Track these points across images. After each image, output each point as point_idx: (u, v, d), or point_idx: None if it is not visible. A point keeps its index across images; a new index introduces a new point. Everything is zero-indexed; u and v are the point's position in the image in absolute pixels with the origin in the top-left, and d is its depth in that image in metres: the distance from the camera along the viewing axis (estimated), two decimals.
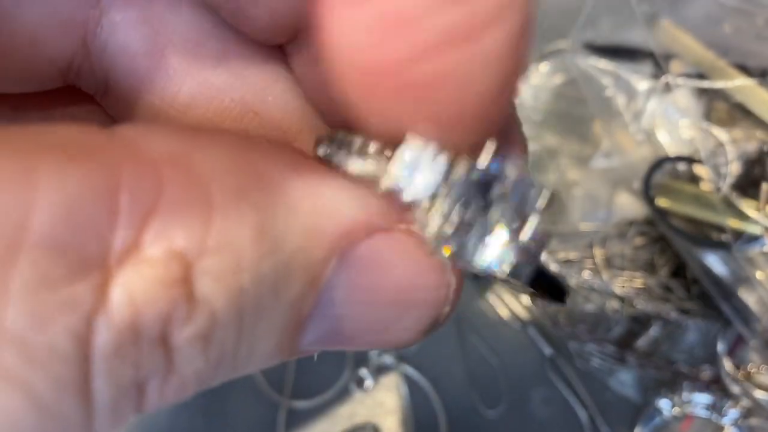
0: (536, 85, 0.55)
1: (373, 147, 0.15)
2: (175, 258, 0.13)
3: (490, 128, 0.15)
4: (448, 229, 0.15)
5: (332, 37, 0.13)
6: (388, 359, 0.54)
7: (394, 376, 0.54)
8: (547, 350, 0.53)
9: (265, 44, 0.18)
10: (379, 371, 0.54)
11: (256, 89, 0.18)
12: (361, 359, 0.54)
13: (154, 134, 0.14)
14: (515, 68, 0.14)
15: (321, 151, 0.16)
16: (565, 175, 0.56)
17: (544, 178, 0.56)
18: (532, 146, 0.56)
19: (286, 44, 0.18)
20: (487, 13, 0.12)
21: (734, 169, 0.47)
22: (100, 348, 0.12)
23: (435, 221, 0.15)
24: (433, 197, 0.14)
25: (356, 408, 0.53)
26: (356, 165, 0.15)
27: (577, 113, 0.55)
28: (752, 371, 0.52)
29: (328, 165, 0.16)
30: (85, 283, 0.12)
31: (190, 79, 0.18)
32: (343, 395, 0.54)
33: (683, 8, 0.51)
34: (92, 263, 0.12)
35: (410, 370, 0.54)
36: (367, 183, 0.16)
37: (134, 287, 0.12)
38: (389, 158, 0.15)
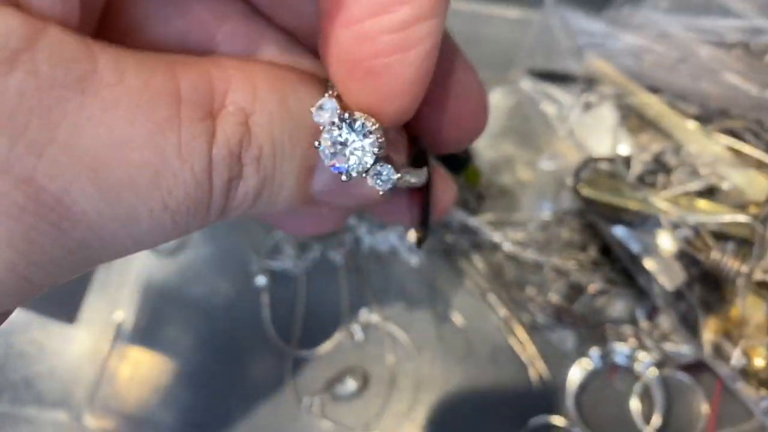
0: (494, 105, 0.67)
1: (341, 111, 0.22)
2: (241, 110, 0.20)
3: (415, 101, 0.22)
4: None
5: (333, 40, 0.21)
6: (375, 318, 0.63)
7: (380, 331, 0.63)
8: (502, 312, 0.62)
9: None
10: (369, 328, 0.63)
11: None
12: (355, 318, 0.63)
13: (227, 57, 0.22)
14: (429, 69, 0.21)
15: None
16: (519, 176, 0.67)
17: (502, 178, 0.68)
18: (492, 153, 0.67)
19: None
20: (413, 37, 0.19)
21: (640, 165, 0.58)
22: (215, 155, 0.19)
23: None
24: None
25: (349, 356, 0.62)
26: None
27: (526, 129, 0.66)
28: (665, 332, 0.60)
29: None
30: (207, 122, 0.19)
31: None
32: (339, 346, 0.62)
33: (605, 44, 0.63)
34: (207, 115, 0.19)
35: (393, 327, 0.62)
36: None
37: (225, 126, 0.19)
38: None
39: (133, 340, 0.64)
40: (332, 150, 0.21)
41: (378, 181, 0.22)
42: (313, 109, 0.21)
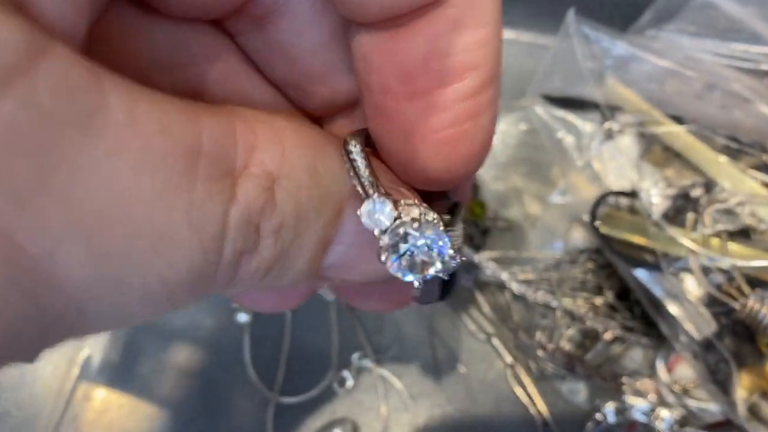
0: (504, 130, 0.63)
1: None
2: (266, 174, 0.18)
3: (483, 160, 0.23)
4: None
5: (403, 116, 0.21)
6: (367, 362, 0.59)
7: (372, 377, 0.59)
8: (508, 359, 0.58)
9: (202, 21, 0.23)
10: (360, 373, 0.59)
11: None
12: (345, 362, 0.59)
13: (252, 110, 0.20)
14: (494, 128, 0.22)
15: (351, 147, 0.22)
16: (528, 209, 0.63)
17: (509, 212, 0.63)
18: (499, 185, 0.63)
19: (225, 21, 0.23)
20: (483, 101, 0.21)
21: (665, 201, 0.54)
22: (231, 222, 0.17)
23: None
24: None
25: (337, 405, 0.58)
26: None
27: (538, 159, 0.63)
28: (688, 386, 0.56)
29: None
30: (226, 182, 0.17)
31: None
32: (326, 393, 0.58)
33: (628, 68, 0.59)
34: (228, 174, 0.17)
35: (387, 374, 0.58)
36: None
37: (247, 189, 0.17)
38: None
39: (99, 378, 0.59)
40: (406, 264, 0.20)
41: (444, 273, 0.21)
42: (362, 217, 0.20)
